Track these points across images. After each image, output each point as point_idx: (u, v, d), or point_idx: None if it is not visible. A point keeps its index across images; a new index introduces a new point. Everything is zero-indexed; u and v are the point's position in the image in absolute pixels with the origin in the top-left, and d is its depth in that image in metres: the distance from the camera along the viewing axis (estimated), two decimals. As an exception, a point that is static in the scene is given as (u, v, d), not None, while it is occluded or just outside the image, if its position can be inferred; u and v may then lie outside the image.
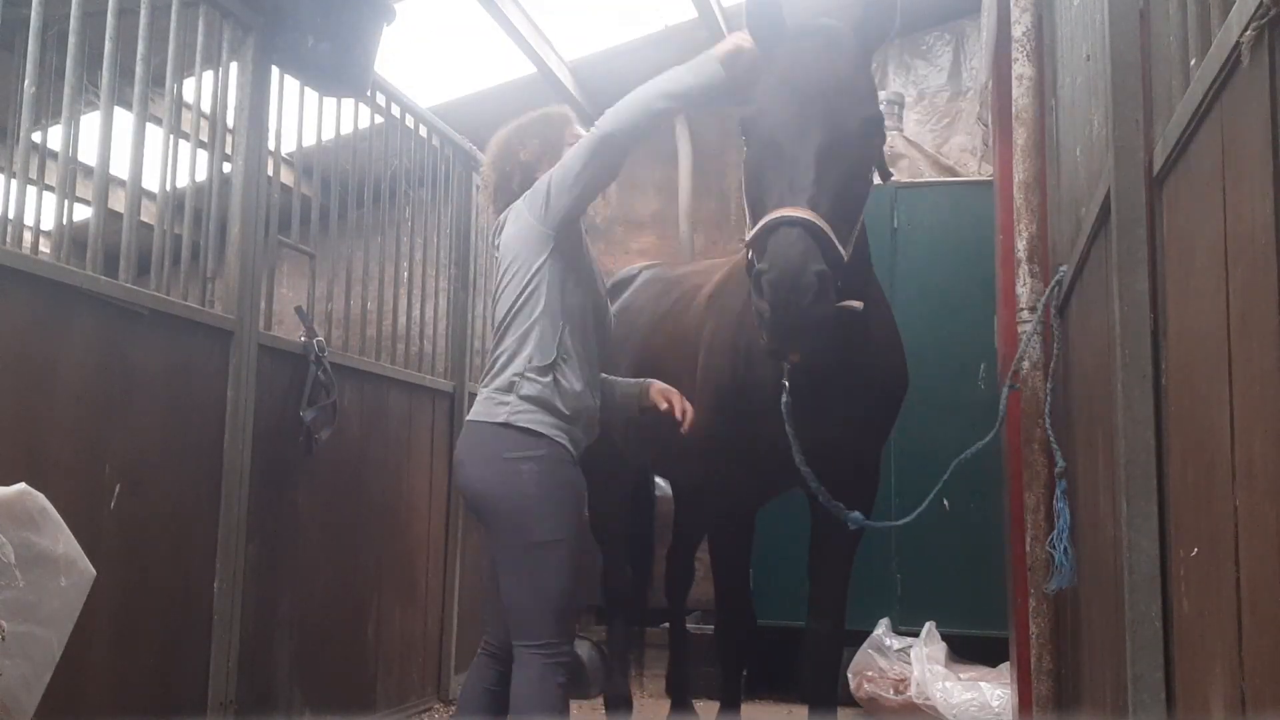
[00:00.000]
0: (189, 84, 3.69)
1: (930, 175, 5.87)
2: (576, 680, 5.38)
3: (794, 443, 2.81)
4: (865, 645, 4.93)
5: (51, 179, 4.33)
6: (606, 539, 4.57)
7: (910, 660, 4.74)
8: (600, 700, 5.37)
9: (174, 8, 3.43)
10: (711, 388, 3.29)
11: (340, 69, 3.84)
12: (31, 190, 4.21)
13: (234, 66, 3.76)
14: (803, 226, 2.39)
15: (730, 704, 3.67)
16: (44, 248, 4.80)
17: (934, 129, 6.55)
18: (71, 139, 3.33)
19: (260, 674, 3.70)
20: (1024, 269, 3.16)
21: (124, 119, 3.43)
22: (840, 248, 2.47)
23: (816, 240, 2.39)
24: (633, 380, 3.18)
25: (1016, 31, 3.25)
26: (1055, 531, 2.47)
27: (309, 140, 4.23)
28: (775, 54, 2.70)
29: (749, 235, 2.55)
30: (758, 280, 2.39)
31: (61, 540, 1.99)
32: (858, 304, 2.54)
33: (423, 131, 5.04)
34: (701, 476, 3.61)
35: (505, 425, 2.68)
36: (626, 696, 4.62)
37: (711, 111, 6.76)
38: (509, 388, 2.72)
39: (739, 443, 3.21)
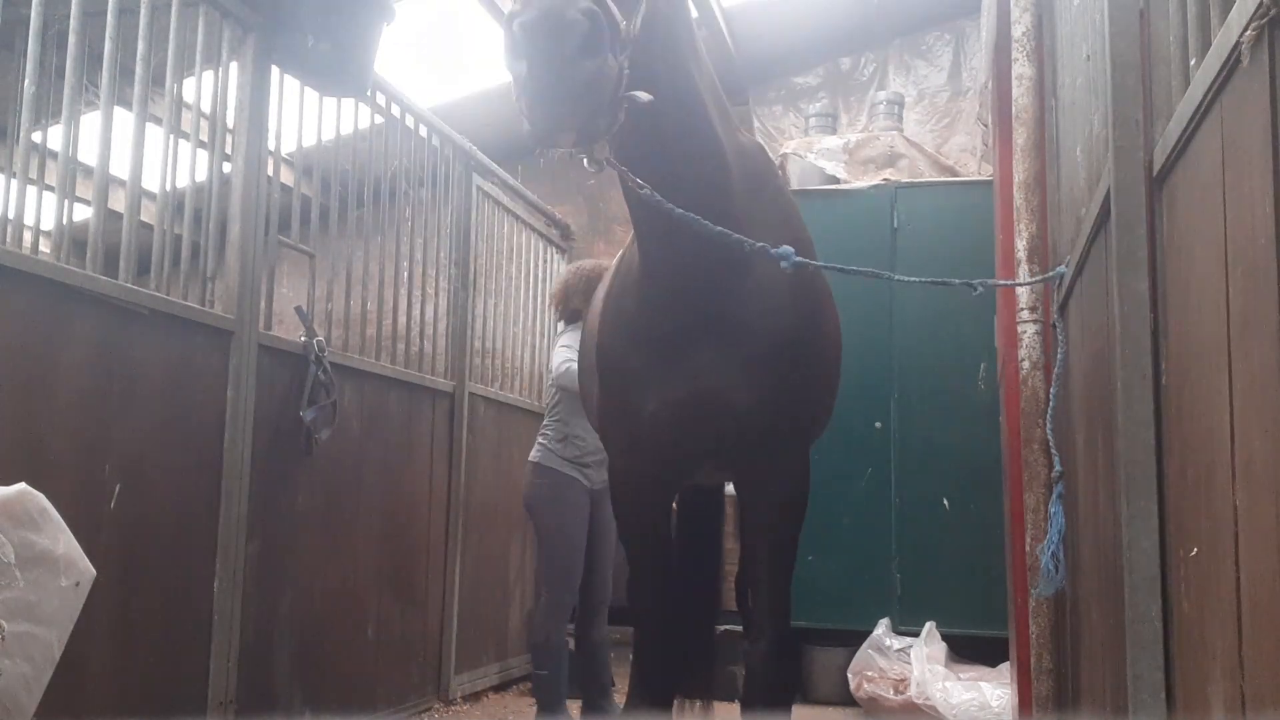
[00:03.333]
0: (189, 84, 3.69)
1: (930, 175, 5.87)
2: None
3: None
4: (865, 645, 4.93)
5: (51, 179, 4.33)
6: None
7: (910, 660, 4.74)
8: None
9: (174, 8, 3.44)
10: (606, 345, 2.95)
11: (340, 69, 3.84)
12: (31, 190, 4.21)
13: (234, 66, 3.76)
14: None
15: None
16: (44, 248, 4.80)
17: (934, 129, 6.55)
18: (71, 139, 3.33)
19: (260, 674, 3.70)
20: (1024, 269, 3.15)
21: (124, 119, 3.42)
22: (614, 7, 1.99)
23: None
24: None
25: (1016, 31, 3.24)
26: (1046, 537, 2.47)
27: (309, 140, 4.23)
28: None
29: None
30: (509, 28, 1.92)
31: (61, 540, 1.99)
32: (645, 95, 2.12)
33: (423, 131, 5.04)
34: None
35: None
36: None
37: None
38: None
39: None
